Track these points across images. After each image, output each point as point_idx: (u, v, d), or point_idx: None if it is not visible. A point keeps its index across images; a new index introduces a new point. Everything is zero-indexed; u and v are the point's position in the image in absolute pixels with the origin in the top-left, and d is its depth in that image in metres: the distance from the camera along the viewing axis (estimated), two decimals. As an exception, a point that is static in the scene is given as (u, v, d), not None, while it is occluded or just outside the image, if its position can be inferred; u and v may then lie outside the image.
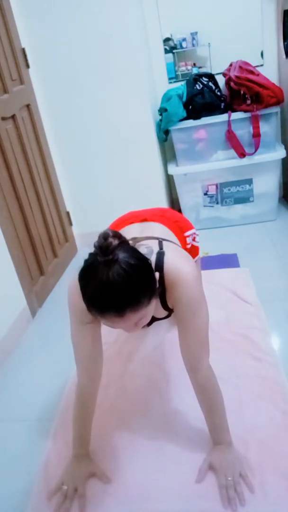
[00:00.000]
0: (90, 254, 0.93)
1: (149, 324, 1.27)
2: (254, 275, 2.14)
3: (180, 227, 1.45)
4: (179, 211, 2.94)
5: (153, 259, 1.08)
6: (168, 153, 2.98)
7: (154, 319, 1.26)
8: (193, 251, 1.50)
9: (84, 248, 2.91)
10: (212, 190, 2.76)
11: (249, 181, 2.69)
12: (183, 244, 1.44)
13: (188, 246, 1.48)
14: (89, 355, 1.17)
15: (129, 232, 1.32)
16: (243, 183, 2.71)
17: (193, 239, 1.51)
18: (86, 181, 2.80)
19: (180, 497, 1.13)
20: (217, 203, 2.79)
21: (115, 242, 0.90)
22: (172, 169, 2.74)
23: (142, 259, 0.95)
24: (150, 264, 0.97)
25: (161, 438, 1.32)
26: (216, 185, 2.74)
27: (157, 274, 1.05)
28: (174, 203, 3.08)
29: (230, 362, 1.56)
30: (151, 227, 1.34)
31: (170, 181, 3.01)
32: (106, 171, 2.75)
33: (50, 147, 2.64)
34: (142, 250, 1.05)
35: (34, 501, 1.20)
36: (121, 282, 0.88)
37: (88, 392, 1.22)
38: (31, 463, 1.34)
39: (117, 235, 0.93)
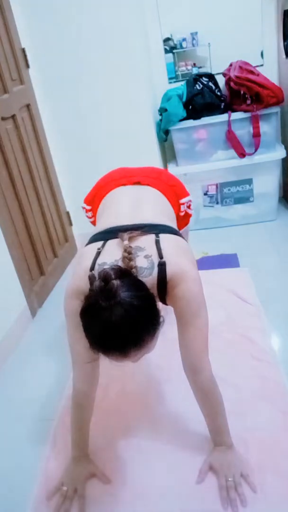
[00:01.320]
0: (91, 292, 0.93)
1: None
2: (254, 275, 2.14)
3: (176, 193, 1.42)
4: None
5: (155, 272, 1.05)
6: (168, 153, 2.98)
7: None
8: (186, 218, 1.49)
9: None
10: (212, 190, 2.76)
11: (249, 181, 2.69)
12: (177, 210, 1.41)
13: (182, 214, 1.46)
14: (86, 358, 1.13)
15: (120, 201, 1.29)
16: (243, 183, 2.70)
17: (188, 207, 1.48)
18: (86, 181, 2.78)
19: (180, 498, 1.13)
20: (217, 203, 2.79)
21: (117, 283, 0.89)
22: (172, 169, 2.74)
23: (146, 297, 0.95)
24: (153, 299, 0.97)
25: (161, 439, 1.32)
26: (216, 185, 2.74)
27: (161, 305, 1.02)
28: (174, 203, 3.07)
29: (230, 362, 1.56)
30: (145, 196, 1.31)
31: (170, 181, 3.00)
32: (106, 171, 2.74)
33: (50, 147, 2.64)
34: (143, 263, 1.04)
35: (34, 502, 1.20)
36: (124, 325, 0.89)
37: (85, 396, 1.20)
38: (31, 463, 1.34)
39: (118, 274, 0.92)
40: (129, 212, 1.23)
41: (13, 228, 2.11)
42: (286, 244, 2.46)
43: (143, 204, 1.27)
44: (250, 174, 2.66)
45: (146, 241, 1.10)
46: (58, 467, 1.27)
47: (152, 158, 2.70)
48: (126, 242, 1.06)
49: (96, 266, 1.06)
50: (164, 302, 1.12)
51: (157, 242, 1.10)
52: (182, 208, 1.45)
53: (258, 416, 1.33)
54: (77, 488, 1.17)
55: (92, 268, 1.06)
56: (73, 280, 1.10)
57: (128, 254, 1.03)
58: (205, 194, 2.77)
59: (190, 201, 1.49)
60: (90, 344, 0.93)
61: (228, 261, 2.35)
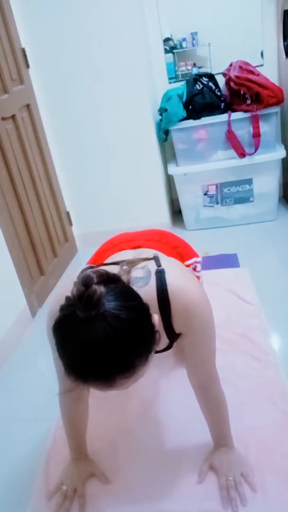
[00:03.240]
0: (67, 301, 0.73)
1: None
2: (254, 275, 2.14)
3: (180, 254, 1.27)
4: (179, 211, 2.94)
5: (152, 281, 0.92)
6: (168, 153, 2.98)
7: None
8: None
9: (85, 249, 2.91)
10: (212, 190, 2.76)
11: (249, 181, 2.69)
12: None
13: None
14: (68, 386, 1.01)
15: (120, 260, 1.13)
16: (243, 183, 2.70)
17: (194, 269, 1.32)
18: (86, 181, 2.80)
19: (180, 498, 1.13)
20: (217, 203, 2.79)
21: (100, 289, 0.71)
22: (172, 169, 2.74)
23: (137, 308, 0.76)
24: (147, 312, 0.78)
25: (161, 438, 1.32)
26: (216, 185, 2.74)
27: (157, 317, 0.82)
28: (174, 203, 3.08)
29: (230, 362, 1.56)
30: (146, 255, 1.12)
31: (170, 181, 3.01)
32: (106, 171, 2.75)
33: (50, 147, 2.64)
34: (138, 273, 0.92)
35: (34, 501, 1.20)
36: (108, 345, 0.69)
37: (75, 413, 1.16)
38: (31, 463, 1.34)
39: (103, 279, 0.74)
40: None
41: (13, 228, 2.11)
42: (286, 244, 2.46)
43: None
44: (250, 174, 2.66)
45: (145, 262, 0.99)
46: (58, 467, 1.27)
47: (152, 158, 2.71)
48: (125, 267, 0.94)
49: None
50: (170, 331, 0.98)
51: (156, 259, 1.00)
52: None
53: (258, 416, 1.33)
54: (77, 488, 1.17)
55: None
56: (57, 295, 0.90)
57: (127, 266, 0.93)
58: (205, 194, 2.77)
59: (196, 262, 1.32)
60: (66, 370, 0.74)
61: (228, 261, 2.35)
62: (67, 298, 0.73)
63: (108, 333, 0.69)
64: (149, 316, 0.79)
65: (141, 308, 0.78)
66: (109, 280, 0.76)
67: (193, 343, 1.02)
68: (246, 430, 1.27)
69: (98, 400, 1.28)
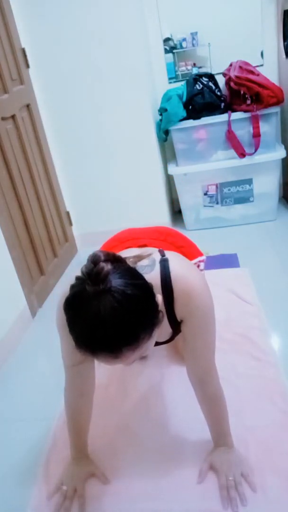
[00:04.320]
0: (78, 280, 0.79)
1: None
2: (254, 275, 2.14)
3: (184, 254, 1.27)
4: (179, 211, 2.94)
5: (156, 268, 0.98)
6: (168, 153, 2.98)
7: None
8: None
9: (85, 249, 2.91)
10: (212, 190, 2.76)
11: (249, 181, 2.69)
12: None
13: None
14: (74, 360, 1.06)
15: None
16: (243, 183, 2.70)
17: (197, 267, 1.35)
18: (86, 181, 2.80)
19: (180, 497, 1.13)
20: (217, 203, 2.79)
21: (108, 267, 0.76)
22: (172, 169, 2.74)
23: (142, 286, 0.81)
24: (151, 290, 0.84)
25: (161, 438, 1.32)
26: (216, 185, 2.74)
27: (160, 297, 0.88)
28: (174, 203, 3.08)
29: (230, 362, 1.57)
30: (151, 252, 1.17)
31: (170, 181, 3.01)
32: (106, 171, 2.75)
33: (50, 147, 2.64)
34: (143, 262, 0.97)
35: (34, 501, 1.20)
36: (115, 317, 0.75)
37: (79, 409, 1.18)
38: (31, 463, 1.34)
39: (110, 258, 0.80)
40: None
41: (13, 228, 2.11)
42: (286, 244, 2.46)
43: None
44: (250, 174, 2.66)
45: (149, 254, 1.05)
46: (58, 467, 1.27)
47: (152, 158, 2.71)
48: (131, 260, 0.98)
49: None
50: (173, 318, 1.03)
51: (161, 250, 1.05)
52: None
53: (258, 416, 1.33)
54: (77, 487, 1.17)
55: None
56: (64, 289, 0.94)
57: (134, 259, 0.97)
58: (205, 194, 2.77)
59: (200, 261, 1.36)
60: (76, 343, 0.80)
61: (228, 261, 2.35)
62: (77, 277, 0.79)
63: (115, 306, 0.75)
64: (153, 294, 0.84)
65: (146, 286, 0.83)
66: (116, 259, 0.81)
67: (192, 330, 1.04)
68: (246, 430, 1.28)
69: (98, 399, 1.28)
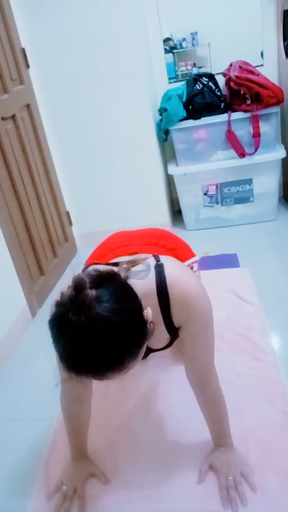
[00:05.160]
0: (62, 299, 0.75)
1: (145, 356, 1.16)
2: (254, 275, 2.14)
3: (177, 256, 1.28)
4: (179, 211, 2.94)
5: (152, 274, 0.96)
6: (168, 153, 2.98)
7: (151, 350, 1.17)
8: None
9: (85, 249, 2.91)
10: (212, 190, 2.75)
11: (249, 181, 2.69)
12: None
13: None
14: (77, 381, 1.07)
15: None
16: (243, 183, 2.70)
17: (191, 268, 1.35)
18: (86, 181, 2.80)
19: (180, 498, 1.13)
20: (217, 203, 2.79)
21: (92, 293, 0.73)
22: (172, 169, 2.74)
23: (128, 310, 0.77)
24: (139, 311, 0.80)
25: (161, 438, 1.32)
26: (216, 185, 2.74)
27: (150, 311, 0.85)
28: (174, 203, 3.08)
29: (230, 362, 1.57)
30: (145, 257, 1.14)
31: (170, 181, 3.01)
32: (106, 171, 2.75)
33: (50, 147, 2.64)
34: (138, 268, 0.96)
35: (34, 501, 1.20)
36: (98, 346, 0.73)
37: (76, 415, 1.18)
38: (31, 463, 1.34)
39: (95, 283, 0.75)
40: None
41: (13, 228, 2.11)
42: (286, 244, 2.46)
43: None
44: (250, 174, 2.66)
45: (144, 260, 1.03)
46: (58, 467, 1.27)
47: (152, 158, 2.71)
48: (125, 266, 0.96)
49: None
50: (170, 324, 1.01)
51: (155, 256, 1.04)
52: None
53: (258, 416, 1.33)
54: (77, 488, 1.17)
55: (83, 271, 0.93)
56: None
57: (127, 265, 0.95)
58: (205, 194, 2.77)
59: (193, 262, 1.36)
60: (60, 360, 0.77)
61: (228, 261, 2.35)
62: (62, 295, 0.76)
63: (98, 336, 0.72)
64: (140, 315, 0.81)
65: (133, 308, 0.79)
66: (103, 280, 0.78)
67: (191, 335, 1.03)
68: (246, 430, 1.28)
69: (98, 399, 1.27)
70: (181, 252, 1.34)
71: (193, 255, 1.38)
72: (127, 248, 1.23)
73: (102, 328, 0.73)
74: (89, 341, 0.72)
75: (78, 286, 0.74)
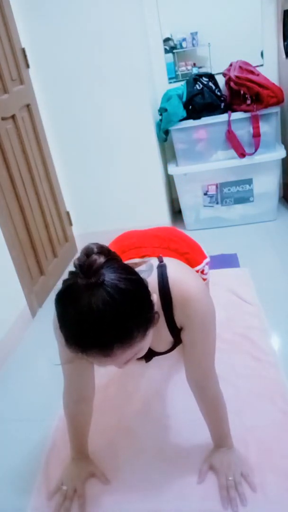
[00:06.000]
0: (70, 273, 0.76)
1: (148, 359, 1.20)
2: (254, 275, 2.14)
3: (188, 261, 1.26)
4: (179, 211, 2.94)
5: (154, 274, 0.96)
6: (168, 153, 2.98)
7: (154, 354, 1.16)
8: None
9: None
10: (212, 190, 2.76)
11: (249, 181, 2.69)
12: None
13: None
14: (79, 377, 1.06)
15: None
16: (243, 183, 2.70)
17: (202, 272, 1.33)
18: (86, 181, 2.80)
19: (180, 497, 1.13)
20: (217, 203, 2.79)
21: (100, 260, 0.74)
22: (172, 169, 2.74)
23: (135, 281, 0.78)
24: (145, 286, 0.82)
25: (161, 438, 1.32)
26: (216, 185, 2.74)
27: (156, 297, 0.86)
28: (174, 203, 3.08)
29: (230, 362, 1.57)
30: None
31: (170, 181, 3.01)
32: (106, 171, 2.75)
33: (50, 147, 2.64)
34: (141, 268, 0.95)
35: (34, 501, 1.20)
36: (106, 312, 0.71)
37: (78, 414, 1.18)
38: (31, 463, 1.34)
39: (104, 251, 0.77)
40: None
41: (13, 228, 2.11)
42: (286, 244, 2.46)
43: None
44: (250, 174, 2.66)
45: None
46: (58, 467, 1.27)
47: (152, 158, 2.71)
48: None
49: None
50: (172, 325, 1.02)
51: (159, 257, 1.04)
52: None
53: (258, 416, 1.33)
54: (77, 487, 1.17)
55: None
56: None
57: (131, 264, 0.92)
58: (205, 194, 2.77)
59: (205, 264, 1.34)
60: (65, 340, 0.76)
61: (228, 261, 2.35)
62: (70, 272, 0.76)
63: (107, 300, 0.71)
64: (147, 290, 0.82)
65: (140, 281, 0.80)
66: (110, 254, 0.78)
67: (192, 337, 1.03)
68: (246, 430, 1.28)
69: (99, 399, 1.27)
70: (193, 256, 1.32)
71: (204, 257, 1.37)
72: (138, 250, 1.21)
73: (111, 294, 0.72)
74: (98, 307, 0.71)
75: (87, 251, 0.76)
